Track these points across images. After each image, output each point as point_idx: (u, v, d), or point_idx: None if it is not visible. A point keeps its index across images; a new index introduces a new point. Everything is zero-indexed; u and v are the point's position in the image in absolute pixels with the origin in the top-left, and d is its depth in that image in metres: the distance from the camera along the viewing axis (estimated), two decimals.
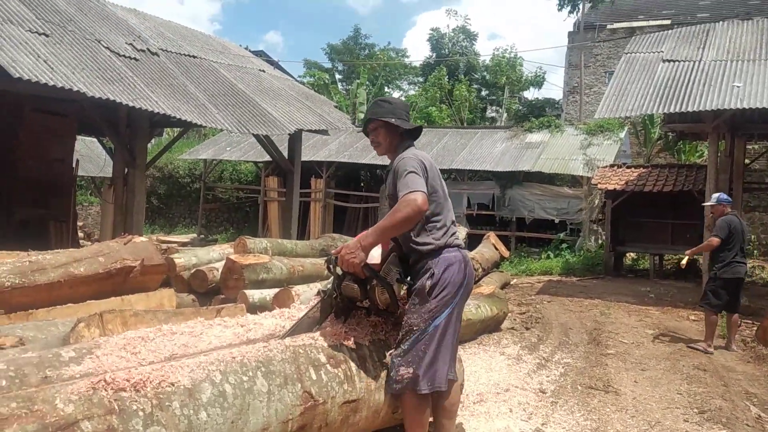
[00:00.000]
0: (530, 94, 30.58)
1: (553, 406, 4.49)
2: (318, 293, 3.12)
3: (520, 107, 23.81)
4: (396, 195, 2.92)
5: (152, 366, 2.14)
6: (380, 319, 3.18)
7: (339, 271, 2.92)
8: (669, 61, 10.51)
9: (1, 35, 7.02)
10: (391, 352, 2.96)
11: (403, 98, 26.54)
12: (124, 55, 8.29)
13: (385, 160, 13.82)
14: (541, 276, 13.16)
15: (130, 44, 8.79)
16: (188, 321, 2.85)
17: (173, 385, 2.10)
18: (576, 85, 26.22)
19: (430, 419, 3.33)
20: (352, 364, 2.87)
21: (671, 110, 9.27)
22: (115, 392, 1.94)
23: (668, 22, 24.58)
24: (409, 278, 2.98)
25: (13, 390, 1.87)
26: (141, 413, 1.96)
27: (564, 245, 15.30)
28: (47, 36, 7.72)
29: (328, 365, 2.74)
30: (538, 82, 28.96)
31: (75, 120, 9.70)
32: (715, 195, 7.13)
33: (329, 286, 3.02)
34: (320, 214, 18.61)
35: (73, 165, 10.17)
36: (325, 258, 3.10)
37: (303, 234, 17.59)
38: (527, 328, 7.31)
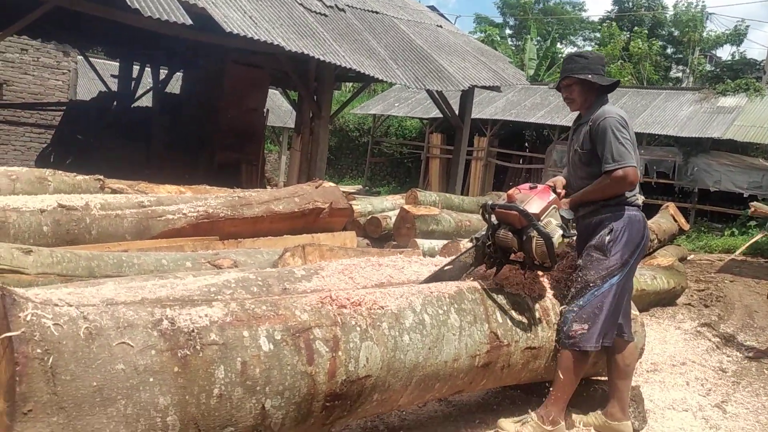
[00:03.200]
0: (724, 53, 27.37)
1: (735, 386, 4.25)
2: (471, 240, 3.06)
3: (713, 68, 21.43)
4: (594, 152, 2.96)
5: (366, 290, 2.44)
6: (563, 275, 3.22)
7: (494, 220, 2.87)
8: None
9: None
10: (563, 306, 2.98)
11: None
12: (315, 11, 8.85)
13: (554, 120, 13.28)
14: (723, 254, 12.07)
15: (320, 0, 9.33)
16: (388, 256, 3.13)
17: (383, 308, 2.37)
18: None
19: (603, 377, 3.37)
20: (536, 314, 2.98)
21: None
22: (338, 308, 2.24)
23: None
24: (573, 232, 2.89)
25: (262, 296, 2.25)
26: (358, 328, 2.25)
27: (752, 223, 13.80)
28: None
29: (513, 311, 2.88)
30: (737, 38, 25.68)
31: (268, 72, 10.59)
32: None
33: (483, 233, 2.95)
34: (481, 173, 18.54)
35: (264, 114, 11.18)
36: (481, 205, 3.03)
37: (462, 192, 17.71)
38: (706, 306, 6.86)
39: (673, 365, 4.53)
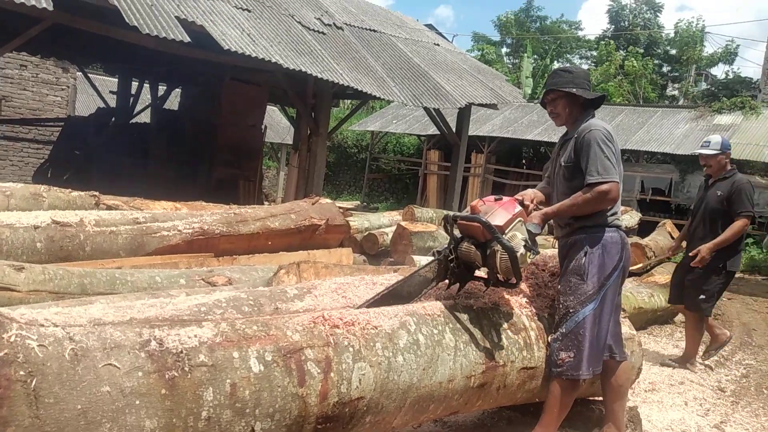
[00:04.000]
0: (718, 71, 27.57)
1: (734, 406, 4.21)
2: (433, 254, 2.84)
3: (709, 86, 21.59)
4: (578, 165, 2.89)
5: (360, 309, 2.40)
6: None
7: (457, 233, 2.73)
8: None
9: (213, 11, 7.87)
10: (550, 335, 2.94)
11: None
12: (313, 29, 8.90)
13: (551, 137, 13.28)
14: None
15: (319, 19, 9.39)
16: (383, 275, 3.10)
17: (376, 328, 2.34)
18: None
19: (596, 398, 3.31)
20: (532, 333, 2.94)
21: None
22: (331, 328, 2.21)
23: None
24: (537, 247, 2.73)
25: (254, 316, 2.21)
26: (351, 349, 2.21)
27: (749, 240, 13.81)
28: (249, 11, 8.50)
29: (509, 331, 2.85)
30: (729, 56, 25.93)
31: (266, 89, 10.62)
32: (716, 138, 4.85)
33: (446, 247, 2.78)
34: (479, 190, 18.58)
35: (262, 130, 11.20)
36: (443, 217, 2.83)
37: (460, 209, 17.71)
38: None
39: (671, 384, 4.49)
